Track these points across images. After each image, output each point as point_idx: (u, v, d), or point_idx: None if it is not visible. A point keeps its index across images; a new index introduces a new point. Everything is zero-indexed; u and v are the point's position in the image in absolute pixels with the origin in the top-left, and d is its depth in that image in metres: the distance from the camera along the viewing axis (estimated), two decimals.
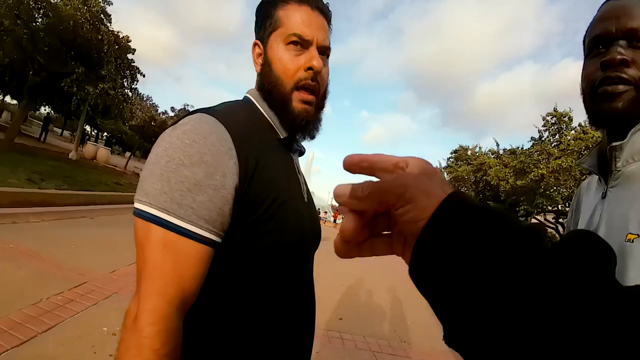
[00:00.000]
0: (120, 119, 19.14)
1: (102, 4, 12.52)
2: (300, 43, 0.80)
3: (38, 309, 2.96)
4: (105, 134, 38.36)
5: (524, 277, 0.23)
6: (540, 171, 14.11)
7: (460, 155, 23.86)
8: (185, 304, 0.63)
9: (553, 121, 16.40)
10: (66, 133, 42.11)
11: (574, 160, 12.75)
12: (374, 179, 0.33)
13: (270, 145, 0.79)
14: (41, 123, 23.89)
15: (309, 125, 0.83)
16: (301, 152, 0.94)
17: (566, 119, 15.68)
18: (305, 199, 0.86)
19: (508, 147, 20.60)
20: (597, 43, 0.71)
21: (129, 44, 13.64)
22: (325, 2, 0.86)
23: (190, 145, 0.63)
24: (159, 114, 29.51)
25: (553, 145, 16.14)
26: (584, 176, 10.76)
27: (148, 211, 0.61)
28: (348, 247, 0.35)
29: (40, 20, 11.35)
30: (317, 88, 0.82)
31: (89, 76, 12.03)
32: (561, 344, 0.21)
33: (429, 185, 0.30)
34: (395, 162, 0.33)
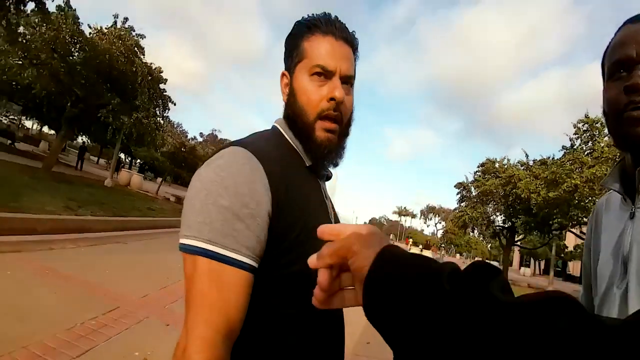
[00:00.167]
0: (153, 146, 19.90)
1: (135, 38, 13.21)
2: (324, 74, 0.82)
3: (72, 334, 3.07)
4: (139, 160, 39.90)
5: (429, 309, 0.32)
6: (573, 181, 13.58)
7: (487, 168, 23.19)
8: (231, 332, 0.64)
9: (585, 128, 15.80)
10: (102, 161, 44.03)
11: (608, 169, 12.21)
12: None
13: (299, 172, 0.82)
14: (77, 152, 25.17)
15: (331, 153, 0.86)
16: (328, 177, 0.96)
17: (599, 125, 15.02)
18: (333, 224, 0.89)
19: (538, 158, 19.89)
20: (618, 67, 0.72)
21: (161, 74, 14.31)
22: (351, 31, 0.88)
23: (226, 178, 0.67)
24: (189, 139, 30.62)
25: (586, 153, 15.54)
26: None
27: (193, 244, 0.65)
28: (324, 297, 0.44)
29: (76, 54, 12.06)
30: (339, 117, 0.84)
31: (124, 106, 12.62)
32: (458, 348, 0.29)
33: (371, 242, 0.41)
34: (352, 229, 0.45)
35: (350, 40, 0.87)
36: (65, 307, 3.57)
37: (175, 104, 15.89)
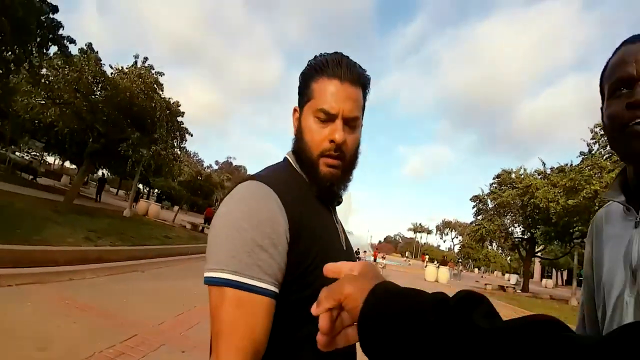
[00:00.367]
0: (170, 176, 20.31)
1: (155, 75, 13.72)
2: (327, 117, 0.87)
3: None
4: (156, 190, 40.68)
5: (416, 343, 0.35)
6: (593, 187, 13.27)
7: (503, 179, 22.87)
8: (259, 355, 0.69)
9: (602, 132, 15.54)
10: (121, 192, 45.03)
11: None
12: None
13: (310, 201, 0.88)
14: (96, 183, 25.82)
15: (333, 187, 0.91)
16: (338, 202, 1.02)
17: None
18: (344, 247, 0.95)
19: (555, 166, 19.62)
20: (619, 85, 0.77)
21: (179, 108, 14.79)
22: (361, 70, 0.92)
23: (247, 211, 0.73)
24: (205, 168, 31.27)
25: (605, 157, 15.22)
26: None
27: (220, 276, 0.69)
28: (328, 340, 0.47)
29: (98, 93, 12.59)
30: (341, 156, 0.90)
31: (143, 140, 12.98)
32: None
33: (362, 282, 0.44)
34: (349, 267, 0.51)
35: (357, 80, 0.91)
36: (85, 336, 3.64)
37: (192, 135, 16.30)
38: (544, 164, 20.70)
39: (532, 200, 17.91)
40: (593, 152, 16.62)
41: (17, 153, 37.65)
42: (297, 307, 0.76)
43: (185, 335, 4.29)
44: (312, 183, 0.90)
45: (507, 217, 23.15)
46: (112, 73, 13.11)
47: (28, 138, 24.63)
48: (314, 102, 0.89)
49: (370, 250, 50.66)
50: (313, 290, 0.74)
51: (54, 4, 8.13)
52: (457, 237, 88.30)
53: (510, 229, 23.71)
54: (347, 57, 0.92)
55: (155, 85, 13.50)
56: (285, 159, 0.97)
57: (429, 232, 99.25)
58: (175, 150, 16.04)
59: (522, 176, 21.10)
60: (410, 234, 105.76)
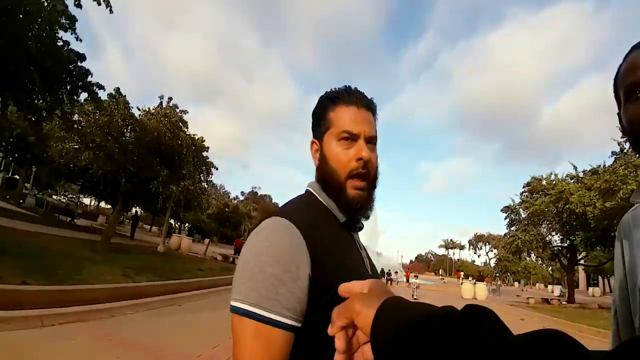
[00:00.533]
0: (199, 210, 20.84)
1: (179, 114, 14.35)
2: (350, 137, 0.92)
3: None
4: (187, 224, 41.62)
5: (429, 353, 0.37)
6: (629, 187, 12.68)
7: (534, 187, 22.09)
8: None
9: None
10: (154, 228, 46.26)
11: None
12: None
13: (333, 230, 0.91)
14: (130, 221, 26.60)
15: (362, 209, 0.95)
16: (360, 228, 1.06)
17: None
18: (369, 272, 0.99)
19: (588, 168, 18.89)
20: (634, 88, 0.78)
21: (204, 143, 15.34)
22: (369, 98, 1.00)
23: (270, 247, 0.78)
24: (231, 199, 32.01)
25: (638, 155, 14.57)
26: None
27: (241, 307, 0.74)
28: (345, 358, 0.49)
29: (128, 134, 13.24)
30: (367, 174, 0.94)
31: (172, 177, 13.47)
32: None
33: (371, 300, 0.47)
34: (360, 286, 0.53)
35: (369, 106, 0.98)
36: None
37: (217, 169, 16.77)
38: (575, 167, 19.98)
39: (567, 206, 17.20)
40: (625, 150, 15.95)
41: (54, 196, 39.52)
42: (318, 337, 0.78)
43: None
44: (341, 208, 0.94)
45: (543, 225, 22.23)
46: (139, 115, 13.75)
47: (64, 181, 25.83)
48: (335, 129, 0.94)
49: (402, 270, 49.37)
50: None
51: (82, 52, 8.52)
52: (491, 251, 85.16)
53: (547, 238, 22.72)
54: (356, 88, 1.00)
55: (180, 123, 14.02)
56: (308, 191, 1.01)
57: (462, 247, 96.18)
58: (203, 184, 16.47)
59: (554, 182, 20.35)
60: (442, 251, 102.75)
